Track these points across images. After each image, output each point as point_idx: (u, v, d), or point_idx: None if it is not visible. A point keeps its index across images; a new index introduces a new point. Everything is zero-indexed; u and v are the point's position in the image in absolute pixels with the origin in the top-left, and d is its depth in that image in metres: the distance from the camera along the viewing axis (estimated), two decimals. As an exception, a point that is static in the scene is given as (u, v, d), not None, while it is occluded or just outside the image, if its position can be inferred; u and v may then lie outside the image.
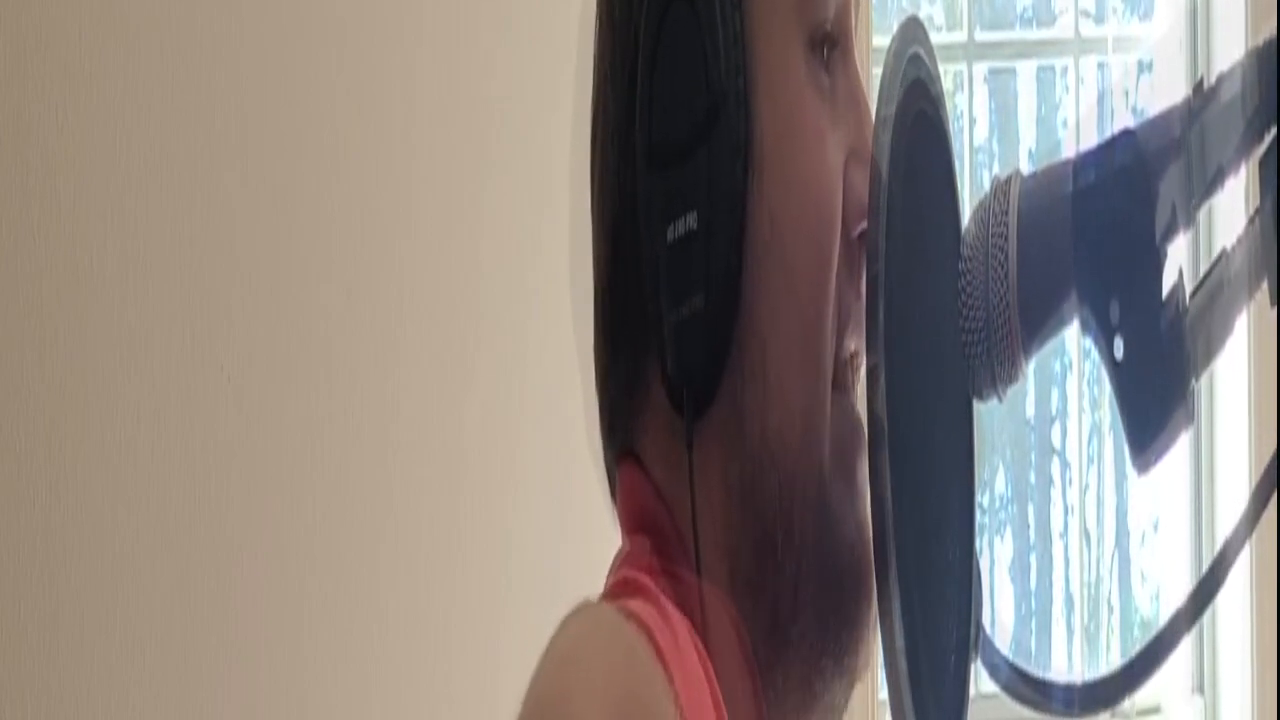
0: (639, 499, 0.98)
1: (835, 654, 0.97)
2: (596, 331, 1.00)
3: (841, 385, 0.97)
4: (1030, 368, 0.98)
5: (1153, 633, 1.00)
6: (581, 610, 0.91)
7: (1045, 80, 2.75)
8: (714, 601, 0.95)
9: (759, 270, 0.95)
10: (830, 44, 0.98)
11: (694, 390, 0.95)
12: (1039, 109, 2.74)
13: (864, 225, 0.96)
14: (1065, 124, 2.73)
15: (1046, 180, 1.00)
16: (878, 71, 0.99)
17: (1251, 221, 0.98)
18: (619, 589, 0.95)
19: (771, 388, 0.95)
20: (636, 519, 0.99)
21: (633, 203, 0.96)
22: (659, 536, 0.97)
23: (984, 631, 1.00)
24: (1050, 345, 0.99)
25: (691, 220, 0.94)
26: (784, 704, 0.97)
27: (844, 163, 0.97)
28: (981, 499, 1.01)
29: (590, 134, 1.00)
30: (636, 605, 0.91)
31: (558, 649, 0.88)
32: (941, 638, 0.97)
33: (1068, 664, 1.04)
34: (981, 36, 2.71)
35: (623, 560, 0.98)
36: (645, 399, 0.98)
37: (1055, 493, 2.66)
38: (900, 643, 0.92)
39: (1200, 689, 2.71)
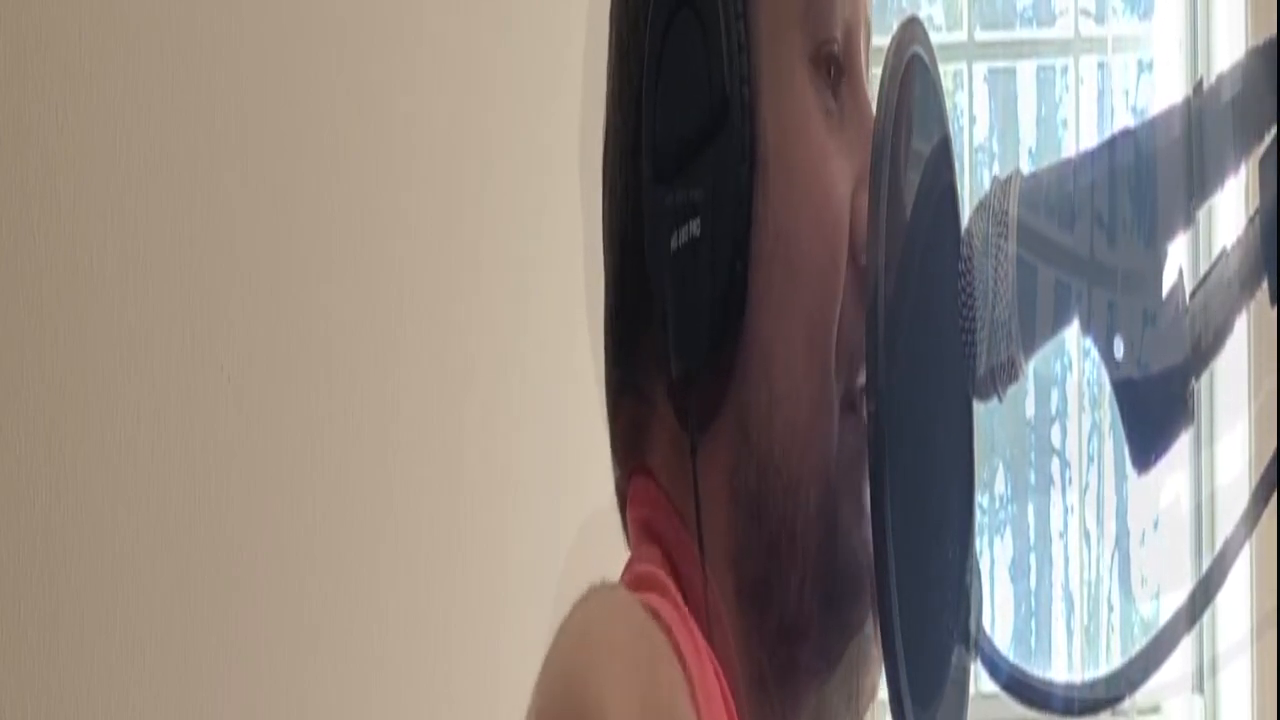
0: (648, 507, 0.98)
1: (842, 671, 0.97)
2: (607, 348, 1.00)
3: (854, 408, 0.97)
4: (1030, 367, 0.98)
5: (1152, 633, 1.00)
6: (600, 591, 0.92)
7: (1045, 80, 2.75)
8: (719, 615, 0.95)
9: (764, 280, 0.95)
10: (838, 70, 0.98)
11: (698, 401, 0.95)
12: (1039, 108, 2.74)
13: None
14: (1065, 124, 2.73)
15: (1046, 180, 1.00)
16: (877, 71, 0.99)
17: (1251, 221, 0.98)
18: (636, 583, 0.95)
19: (777, 398, 0.95)
20: (646, 529, 0.99)
21: (639, 217, 0.96)
22: (669, 545, 0.97)
23: (984, 631, 1.00)
24: (1050, 345, 0.99)
25: (695, 228, 0.94)
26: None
27: (853, 191, 0.97)
28: (981, 499, 1.01)
29: (602, 153, 1.00)
30: (654, 599, 0.92)
31: (577, 626, 0.88)
32: (941, 638, 0.97)
33: (1068, 664, 1.04)
34: (981, 36, 2.71)
35: (634, 560, 0.98)
36: (653, 413, 0.98)
37: (1055, 492, 2.66)
38: (900, 643, 0.92)
39: (1200, 689, 2.71)
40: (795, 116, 0.96)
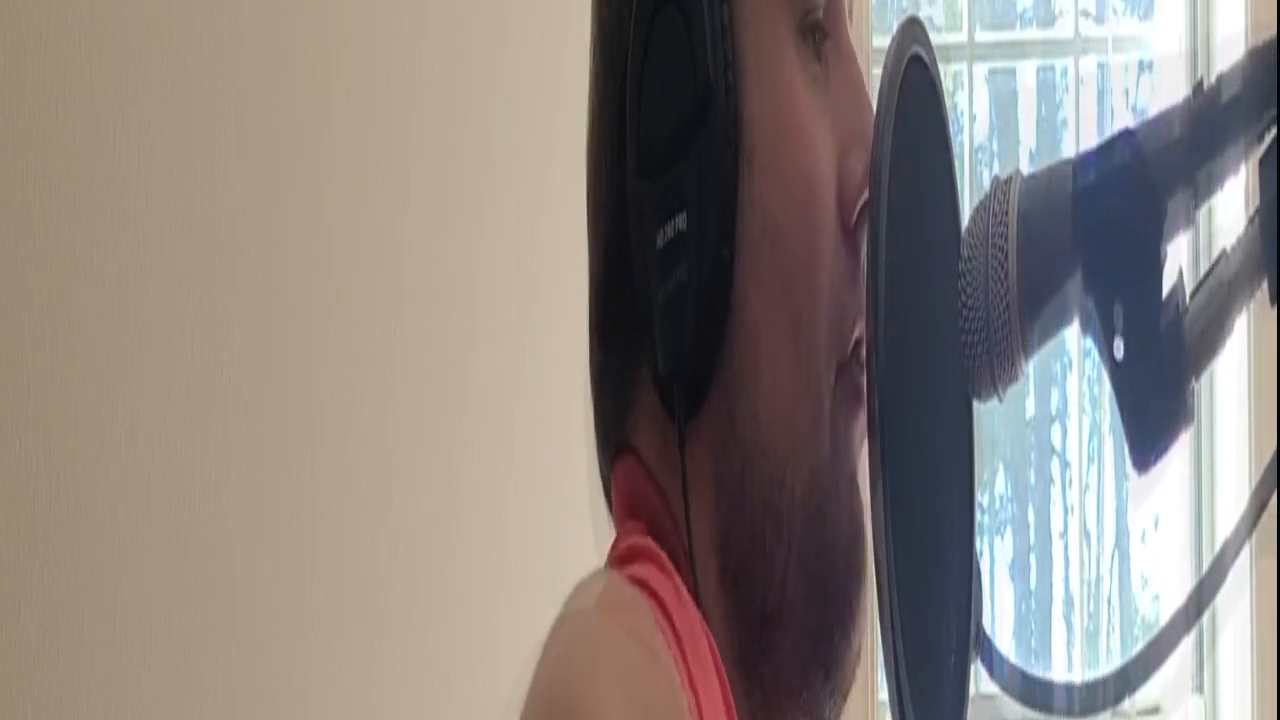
0: (633, 484, 0.98)
1: (823, 661, 0.97)
2: (591, 335, 1.00)
3: (847, 374, 0.97)
4: (1030, 368, 0.98)
5: (1153, 632, 1.00)
6: (586, 586, 0.92)
7: (1045, 80, 2.75)
8: (703, 597, 0.95)
9: (751, 266, 0.95)
10: (821, 34, 0.98)
11: (685, 390, 0.95)
12: (1039, 109, 2.74)
13: (863, 201, 0.96)
14: (1065, 124, 2.73)
15: (1047, 180, 1.00)
16: (877, 72, 0.99)
17: (1251, 221, 0.98)
18: (627, 555, 0.95)
19: (764, 383, 0.95)
20: (630, 506, 0.99)
21: (623, 204, 0.96)
22: (652, 523, 0.97)
23: (984, 631, 1.00)
24: (1050, 345, 0.99)
25: (681, 223, 0.94)
26: (768, 708, 0.96)
27: (841, 150, 0.97)
28: (981, 499, 1.01)
29: (586, 143, 1.00)
30: (646, 571, 0.92)
31: (564, 634, 0.88)
32: (941, 638, 0.97)
33: (1068, 664, 1.04)
34: (982, 36, 2.71)
35: (622, 534, 0.98)
36: (637, 399, 0.98)
37: (1055, 492, 2.66)
38: (900, 643, 0.92)
39: (1200, 689, 2.71)
40: (782, 96, 0.96)
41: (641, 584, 0.91)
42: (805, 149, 0.96)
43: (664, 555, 0.94)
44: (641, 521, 0.98)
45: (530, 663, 0.88)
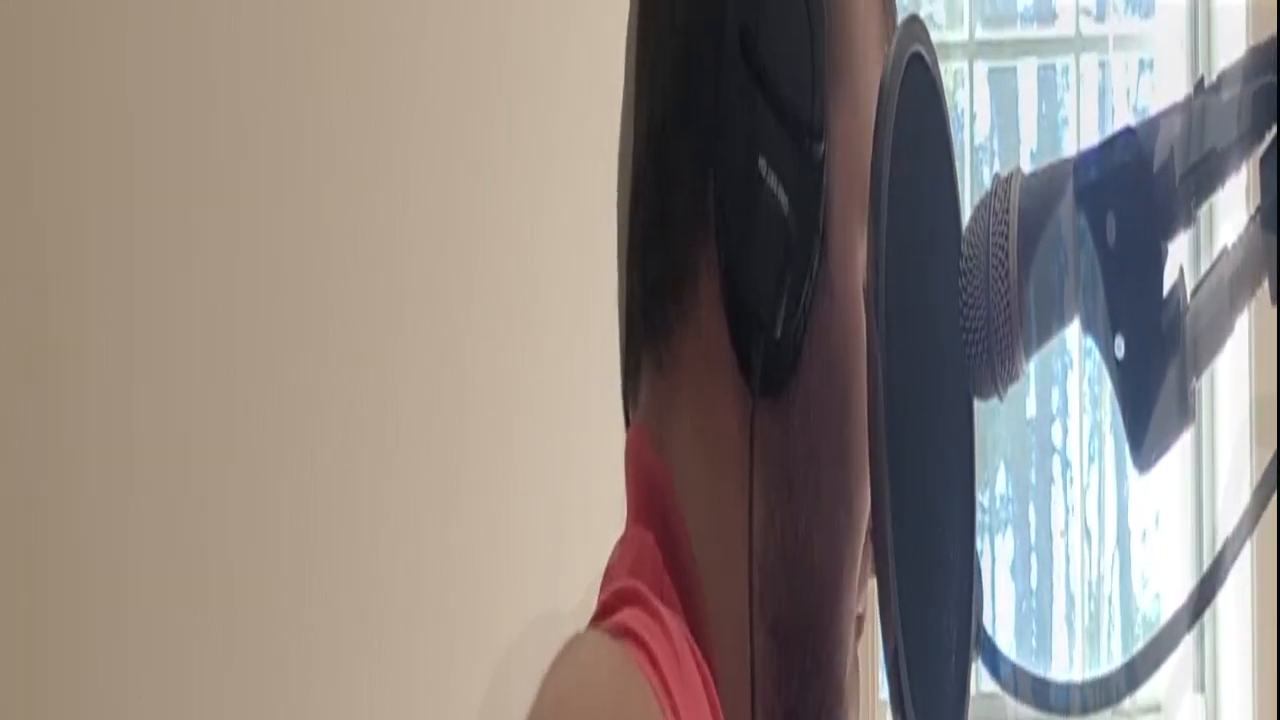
0: (645, 474, 0.96)
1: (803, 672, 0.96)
2: (621, 237, 0.95)
3: None
4: (1031, 366, 0.98)
5: (1153, 631, 1.00)
6: (573, 646, 0.90)
7: (1046, 78, 2.74)
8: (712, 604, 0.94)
9: (838, 214, 0.92)
10: None
11: (769, 352, 0.90)
12: (1040, 107, 2.73)
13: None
14: (1066, 122, 2.73)
15: (1048, 178, 1.00)
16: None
17: (1252, 220, 0.98)
18: (614, 601, 0.93)
19: (852, 349, 0.91)
20: (643, 507, 0.96)
21: (714, 102, 0.92)
22: (664, 532, 0.95)
23: (984, 631, 1.00)
24: (1051, 344, 0.99)
25: (766, 172, 0.91)
26: (789, 688, 0.95)
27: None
28: (982, 498, 1.01)
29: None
30: (631, 617, 0.90)
31: (550, 689, 0.88)
32: (941, 638, 0.97)
33: (1068, 663, 1.04)
34: (982, 35, 2.71)
35: (621, 555, 0.97)
36: (683, 340, 0.93)
37: (1056, 491, 2.66)
38: (900, 642, 0.92)
39: (1200, 688, 2.71)
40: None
41: (625, 630, 0.89)
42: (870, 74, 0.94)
43: (654, 599, 0.92)
44: (651, 530, 0.95)
45: (509, 671, 0.87)
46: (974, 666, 0.99)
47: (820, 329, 0.90)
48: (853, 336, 0.91)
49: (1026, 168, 1.01)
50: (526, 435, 1.94)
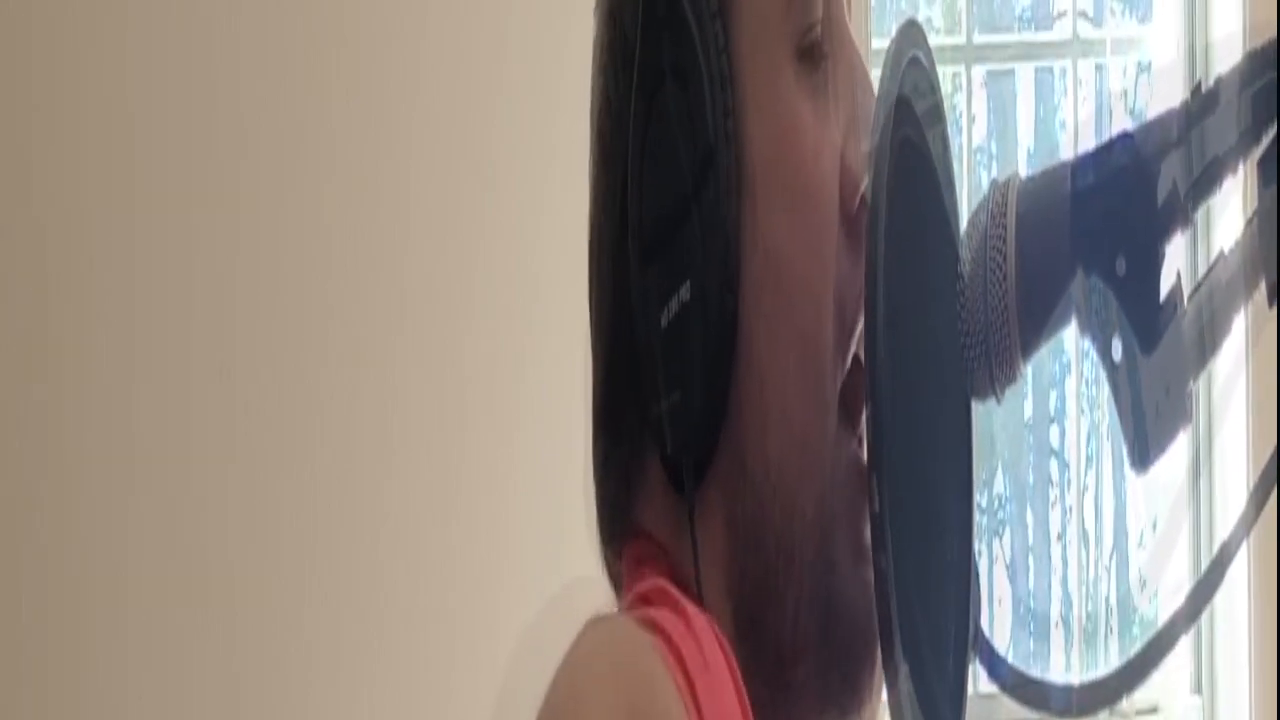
0: (644, 553, 0.98)
1: (840, 702, 0.96)
2: (595, 426, 0.99)
3: (848, 418, 0.97)
4: (1028, 368, 0.99)
5: (1151, 632, 1.00)
6: (598, 622, 0.91)
7: (1043, 82, 2.75)
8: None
9: (754, 300, 0.94)
10: (820, 54, 0.98)
11: (693, 460, 0.94)
12: (1037, 111, 2.74)
13: (864, 187, 0.96)
14: (1063, 126, 2.73)
15: (1045, 182, 1.00)
16: (876, 73, 0.99)
17: (1249, 222, 0.98)
18: (641, 599, 0.94)
19: (773, 418, 0.94)
20: (642, 565, 0.98)
21: (627, 297, 0.95)
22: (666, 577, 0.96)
23: (983, 632, 1.00)
24: (1049, 346, 0.99)
25: (685, 293, 0.94)
26: None
27: (843, 140, 0.97)
28: (980, 499, 1.01)
29: (588, 244, 1.00)
30: (659, 614, 0.91)
31: (572, 660, 0.88)
32: (941, 638, 0.97)
33: (1066, 664, 1.04)
34: (980, 39, 2.71)
35: (637, 578, 0.97)
36: (646, 480, 0.97)
37: (1054, 493, 2.66)
38: (900, 642, 0.92)
39: (1199, 689, 2.71)
40: (784, 122, 0.96)
41: (654, 626, 0.91)
42: (806, 164, 0.95)
43: (681, 597, 0.93)
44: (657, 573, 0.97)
45: (523, 661, 0.88)
46: (971, 667, 0.99)
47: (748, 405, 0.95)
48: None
49: (1024, 171, 1.01)
50: (526, 435, 1.94)
